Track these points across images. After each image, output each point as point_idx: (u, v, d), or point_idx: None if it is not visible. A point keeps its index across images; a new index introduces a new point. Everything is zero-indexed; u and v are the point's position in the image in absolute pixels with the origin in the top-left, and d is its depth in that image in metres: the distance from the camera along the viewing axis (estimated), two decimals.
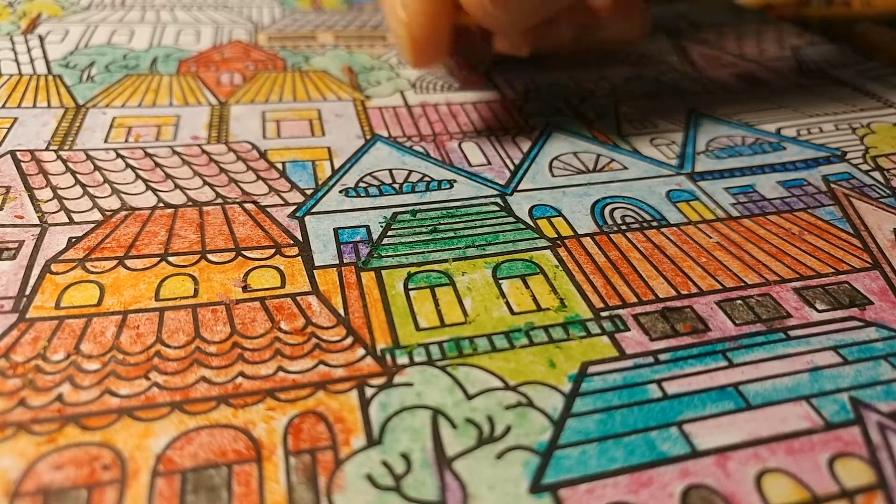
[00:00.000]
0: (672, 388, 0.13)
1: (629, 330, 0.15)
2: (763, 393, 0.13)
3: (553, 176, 0.21)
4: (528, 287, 0.16)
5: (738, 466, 0.12)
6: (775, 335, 0.15)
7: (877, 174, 0.21)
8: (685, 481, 0.12)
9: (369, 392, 0.13)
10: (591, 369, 0.14)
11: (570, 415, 0.13)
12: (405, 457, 0.12)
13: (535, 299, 0.16)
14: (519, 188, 0.20)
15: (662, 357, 0.14)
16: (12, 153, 0.20)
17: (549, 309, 0.15)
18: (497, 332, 0.15)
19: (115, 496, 0.11)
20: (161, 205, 0.18)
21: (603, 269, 0.17)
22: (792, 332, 0.15)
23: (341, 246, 0.17)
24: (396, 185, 0.20)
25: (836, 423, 0.13)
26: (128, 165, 0.20)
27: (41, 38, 0.30)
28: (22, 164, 0.20)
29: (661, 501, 0.11)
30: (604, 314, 0.15)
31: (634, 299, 0.16)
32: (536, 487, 0.11)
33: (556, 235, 0.18)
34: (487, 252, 0.17)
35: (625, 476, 0.12)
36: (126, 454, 0.11)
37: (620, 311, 0.15)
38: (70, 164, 0.20)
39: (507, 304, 0.15)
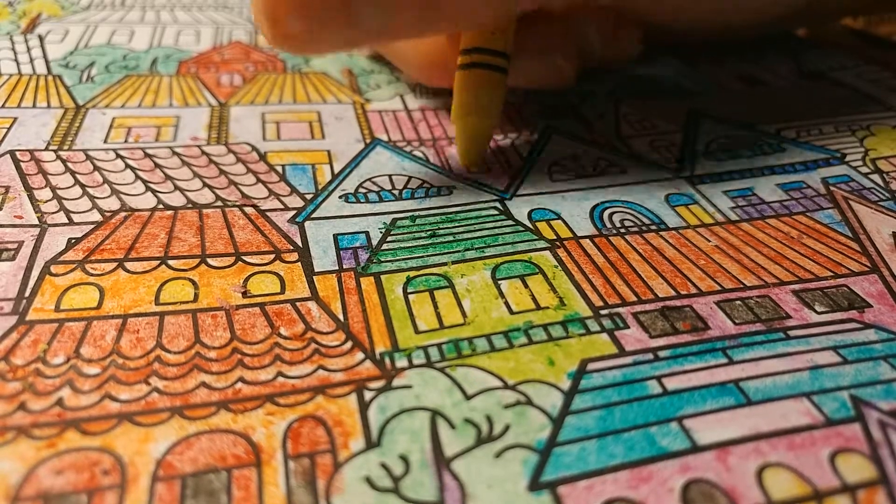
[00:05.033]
0: (672, 384, 0.13)
1: (629, 328, 0.15)
2: (763, 389, 0.13)
3: (552, 181, 0.21)
4: (527, 287, 0.16)
5: (738, 461, 0.12)
6: (775, 335, 0.15)
7: (876, 177, 0.21)
8: (686, 476, 0.12)
9: (368, 395, 0.13)
10: (591, 366, 0.14)
11: (569, 412, 0.13)
12: (404, 458, 0.12)
13: (534, 298, 0.16)
14: (518, 193, 0.20)
15: (662, 354, 0.14)
16: (11, 153, 0.20)
17: (548, 308, 0.15)
18: (496, 331, 0.15)
19: (115, 501, 0.11)
20: (161, 206, 0.18)
21: (602, 269, 0.17)
22: (791, 332, 0.15)
23: (341, 252, 0.17)
24: (396, 191, 0.20)
25: (836, 419, 0.13)
26: (127, 166, 0.20)
27: (41, 38, 0.30)
28: (21, 163, 0.20)
29: (661, 496, 0.11)
30: (603, 312, 0.15)
31: (634, 298, 0.16)
32: (535, 485, 0.11)
33: (555, 237, 0.18)
34: (486, 254, 0.17)
35: (625, 472, 0.12)
36: (126, 459, 0.12)
37: (620, 310, 0.15)
38: (69, 164, 0.20)
39: (506, 303, 0.15)
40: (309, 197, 0.19)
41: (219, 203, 0.19)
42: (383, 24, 0.17)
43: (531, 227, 0.18)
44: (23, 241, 0.17)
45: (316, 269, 0.16)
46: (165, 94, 0.25)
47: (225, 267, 0.16)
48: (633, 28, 0.24)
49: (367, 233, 0.18)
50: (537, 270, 0.17)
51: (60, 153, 0.21)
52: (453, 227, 0.18)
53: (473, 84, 0.20)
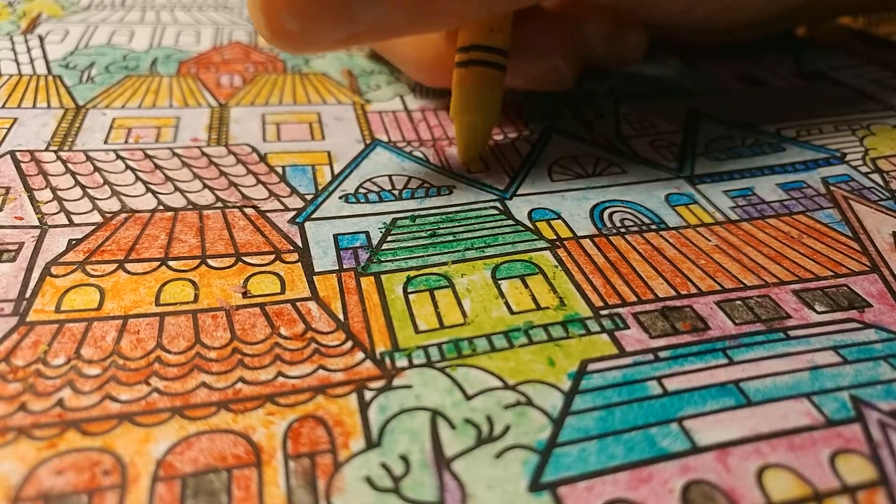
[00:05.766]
0: (672, 384, 0.13)
1: (629, 328, 0.15)
2: (763, 390, 0.13)
3: (552, 181, 0.21)
4: (527, 287, 0.16)
5: (738, 462, 0.12)
6: (775, 335, 0.15)
7: (876, 176, 0.21)
8: (686, 477, 0.12)
9: (368, 395, 0.13)
10: (591, 367, 0.14)
11: (569, 412, 0.13)
12: (404, 458, 0.12)
13: (534, 298, 0.16)
14: (518, 192, 0.20)
15: (662, 354, 0.14)
16: (12, 153, 0.20)
17: (548, 308, 0.15)
18: (496, 331, 0.15)
19: (115, 501, 0.11)
20: (161, 207, 0.18)
21: (602, 269, 0.17)
22: (791, 332, 0.15)
23: (341, 252, 0.17)
24: (396, 192, 0.20)
25: (836, 420, 0.13)
26: (128, 167, 0.20)
27: (41, 38, 0.30)
28: (22, 164, 0.20)
29: (661, 497, 0.11)
30: (603, 313, 0.15)
31: (634, 298, 0.16)
32: (536, 486, 0.11)
33: (555, 237, 0.18)
34: (486, 254, 0.17)
35: (625, 473, 0.12)
36: (126, 459, 0.12)
37: (620, 310, 0.15)
38: (70, 165, 0.20)
39: (507, 303, 0.15)
40: (309, 198, 0.19)
41: (219, 204, 0.19)
42: (377, 20, 0.16)
43: (531, 226, 0.18)
44: (23, 243, 0.17)
45: (316, 270, 0.16)
46: (165, 94, 0.25)
47: (225, 268, 0.16)
48: (635, 30, 0.24)
49: (367, 233, 0.18)
50: (537, 270, 0.17)
51: (61, 154, 0.21)
52: (453, 227, 0.18)
53: (471, 82, 0.20)
